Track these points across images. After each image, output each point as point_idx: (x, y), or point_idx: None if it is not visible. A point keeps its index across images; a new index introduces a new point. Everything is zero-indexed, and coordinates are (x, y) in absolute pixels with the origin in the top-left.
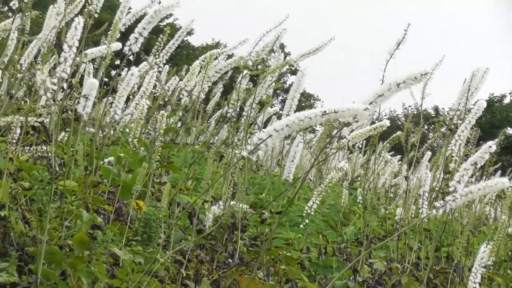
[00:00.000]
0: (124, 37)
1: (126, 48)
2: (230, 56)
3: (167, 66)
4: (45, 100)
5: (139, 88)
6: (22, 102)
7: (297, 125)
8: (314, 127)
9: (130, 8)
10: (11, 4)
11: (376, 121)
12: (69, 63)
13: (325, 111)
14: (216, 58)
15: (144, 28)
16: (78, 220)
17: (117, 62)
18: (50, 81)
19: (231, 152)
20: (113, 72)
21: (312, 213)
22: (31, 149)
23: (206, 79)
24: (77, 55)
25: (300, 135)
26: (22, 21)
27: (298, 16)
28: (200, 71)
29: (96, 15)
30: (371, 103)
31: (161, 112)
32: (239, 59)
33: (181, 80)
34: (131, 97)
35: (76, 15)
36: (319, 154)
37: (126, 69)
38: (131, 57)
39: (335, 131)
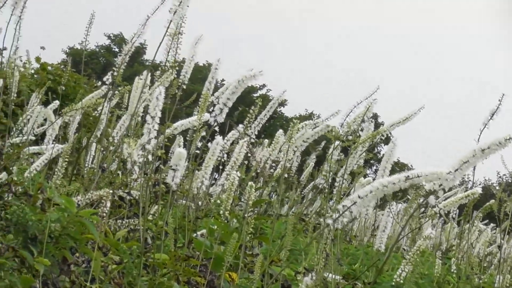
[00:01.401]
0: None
1: (211, 119)
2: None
3: (266, 140)
4: (136, 173)
5: (230, 158)
6: (115, 175)
7: (381, 191)
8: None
9: (223, 80)
10: (104, 79)
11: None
12: (153, 134)
13: (408, 176)
14: (303, 127)
15: (228, 99)
16: None
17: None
18: (137, 154)
19: (323, 223)
20: (200, 144)
21: (402, 281)
22: (123, 222)
23: (293, 148)
24: (166, 127)
25: (389, 206)
26: (116, 95)
27: (390, 83)
28: (287, 141)
29: (184, 86)
30: (456, 169)
31: (250, 183)
32: (325, 128)
33: (272, 149)
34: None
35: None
36: (406, 223)
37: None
38: (216, 128)
39: (421, 199)
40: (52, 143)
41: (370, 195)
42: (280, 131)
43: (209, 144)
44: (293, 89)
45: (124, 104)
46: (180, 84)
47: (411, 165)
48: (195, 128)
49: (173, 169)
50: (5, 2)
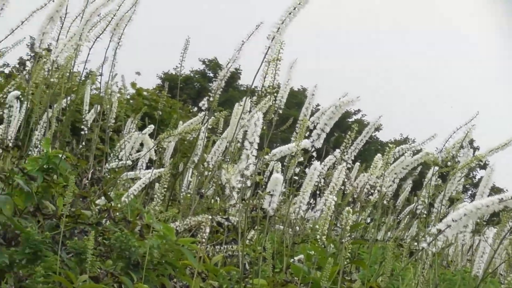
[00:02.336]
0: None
1: (309, 145)
2: (417, 152)
3: (357, 163)
4: (235, 198)
5: (327, 183)
6: (212, 201)
7: (474, 214)
8: None
9: (318, 105)
10: (200, 104)
11: None
12: (252, 160)
13: (502, 198)
14: (403, 154)
15: (326, 124)
16: None
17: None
18: (235, 180)
19: (421, 248)
20: (297, 169)
21: None
22: (222, 248)
23: (393, 175)
24: (264, 153)
25: (483, 231)
26: (212, 120)
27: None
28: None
29: (280, 111)
30: None
31: (347, 208)
32: (425, 155)
33: (370, 174)
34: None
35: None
36: (498, 247)
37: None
38: (314, 153)
39: None
40: (146, 168)
41: (464, 218)
42: (379, 155)
43: (306, 170)
44: (388, 113)
45: (219, 129)
46: (276, 109)
47: (506, 190)
48: (293, 154)
49: (270, 195)
50: (104, 29)
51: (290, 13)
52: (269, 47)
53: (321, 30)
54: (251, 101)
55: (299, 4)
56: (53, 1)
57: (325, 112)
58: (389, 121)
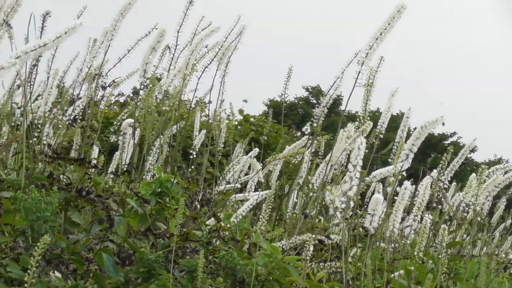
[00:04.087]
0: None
1: (398, 165)
2: (509, 171)
3: (454, 183)
4: (337, 218)
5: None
6: (316, 220)
7: None
8: None
9: (415, 128)
10: (303, 129)
11: None
12: (355, 182)
13: None
14: (493, 172)
15: (413, 144)
16: None
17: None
18: (339, 201)
19: None
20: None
21: None
22: (325, 265)
23: (485, 193)
24: (365, 175)
25: None
26: (315, 144)
27: None
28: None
29: (381, 136)
30: None
31: (443, 226)
32: None
33: (465, 193)
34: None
35: (366, 137)
36: None
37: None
38: (404, 173)
39: None
40: (255, 190)
41: None
42: (473, 175)
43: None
44: (482, 135)
45: (321, 152)
46: (377, 134)
47: None
48: (391, 175)
49: (370, 214)
50: (212, 59)
51: (377, 38)
52: (359, 72)
53: (416, 53)
54: (353, 126)
55: (385, 29)
56: (156, 29)
57: (413, 133)
58: (483, 143)
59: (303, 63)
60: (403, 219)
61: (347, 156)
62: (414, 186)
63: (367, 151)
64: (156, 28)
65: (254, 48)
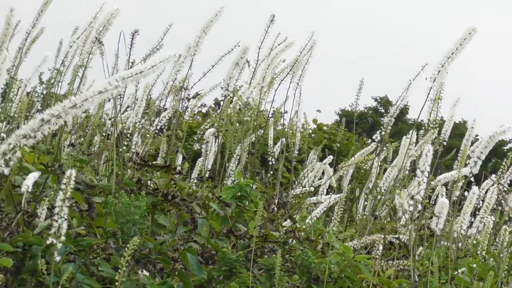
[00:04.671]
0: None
1: (467, 171)
2: None
3: None
4: (404, 219)
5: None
6: (385, 221)
7: None
8: None
9: (477, 135)
10: (373, 136)
11: None
12: (423, 186)
13: None
14: None
15: (481, 152)
16: None
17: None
18: (407, 203)
19: None
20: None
21: None
22: (394, 263)
23: None
24: (430, 179)
25: None
26: (384, 151)
27: None
28: None
29: (445, 143)
30: None
31: (504, 227)
32: None
33: None
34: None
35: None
36: None
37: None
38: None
39: None
40: (327, 194)
41: None
42: None
43: (465, 193)
44: None
45: (389, 158)
46: (441, 141)
47: None
48: (455, 180)
49: (436, 216)
50: (288, 72)
51: (448, 57)
52: (431, 88)
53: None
54: (417, 134)
55: (456, 49)
56: (238, 46)
57: (481, 142)
58: None
59: (371, 72)
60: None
61: (412, 161)
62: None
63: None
64: (239, 45)
65: (326, 60)
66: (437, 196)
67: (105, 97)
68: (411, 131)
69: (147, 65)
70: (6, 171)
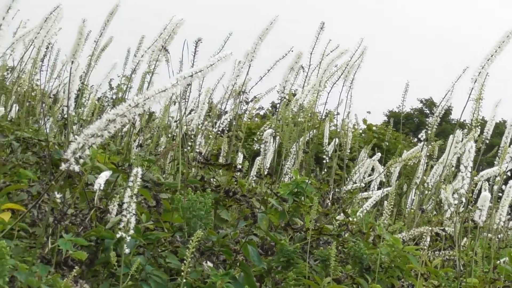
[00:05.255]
0: None
1: (503, 166)
2: None
3: None
4: (449, 213)
5: None
6: (431, 215)
7: None
8: None
9: None
10: (419, 136)
11: None
12: (466, 181)
13: None
14: None
15: None
16: None
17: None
18: (452, 197)
19: None
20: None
21: None
22: (440, 253)
23: None
24: (474, 175)
25: None
26: (429, 149)
27: None
28: None
29: (487, 141)
30: None
31: None
32: None
33: None
34: None
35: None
36: None
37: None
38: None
39: None
40: (377, 189)
41: None
42: None
43: (503, 187)
44: None
45: (434, 156)
46: (483, 140)
47: None
48: (496, 175)
49: (479, 209)
50: (340, 76)
51: (488, 59)
52: (472, 88)
53: None
54: (462, 133)
55: (495, 52)
56: (292, 51)
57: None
58: None
59: (417, 75)
60: (508, 213)
61: (457, 158)
62: None
63: (474, 154)
64: (292, 51)
65: (376, 64)
66: (479, 191)
67: (166, 96)
68: (455, 131)
69: (206, 64)
70: (77, 168)
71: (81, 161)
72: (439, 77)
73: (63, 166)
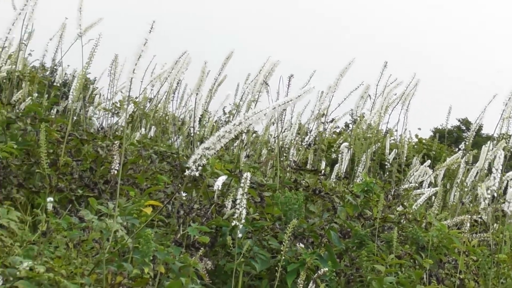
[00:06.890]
0: None
1: None
2: None
3: None
4: (483, 204)
5: None
6: (469, 206)
7: None
8: None
9: None
10: (460, 146)
11: None
12: (497, 180)
13: None
14: None
15: None
16: (508, 278)
17: None
18: (486, 193)
19: None
20: None
21: None
22: (477, 235)
23: None
24: (502, 175)
25: None
26: (467, 156)
27: None
28: None
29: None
30: None
31: None
32: None
33: None
34: None
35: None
36: None
37: None
38: None
39: None
40: (427, 187)
41: None
42: None
43: None
44: None
45: (470, 161)
46: (509, 148)
47: None
48: None
49: (507, 202)
50: (397, 103)
51: None
52: (503, 110)
53: None
54: (492, 144)
55: None
56: (362, 84)
57: None
58: None
59: (452, 95)
60: None
61: (488, 164)
62: None
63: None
64: (363, 84)
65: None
66: (505, 187)
67: (261, 117)
68: (488, 143)
69: (294, 95)
70: (197, 173)
71: (200, 168)
72: (478, 95)
73: (186, 172)
